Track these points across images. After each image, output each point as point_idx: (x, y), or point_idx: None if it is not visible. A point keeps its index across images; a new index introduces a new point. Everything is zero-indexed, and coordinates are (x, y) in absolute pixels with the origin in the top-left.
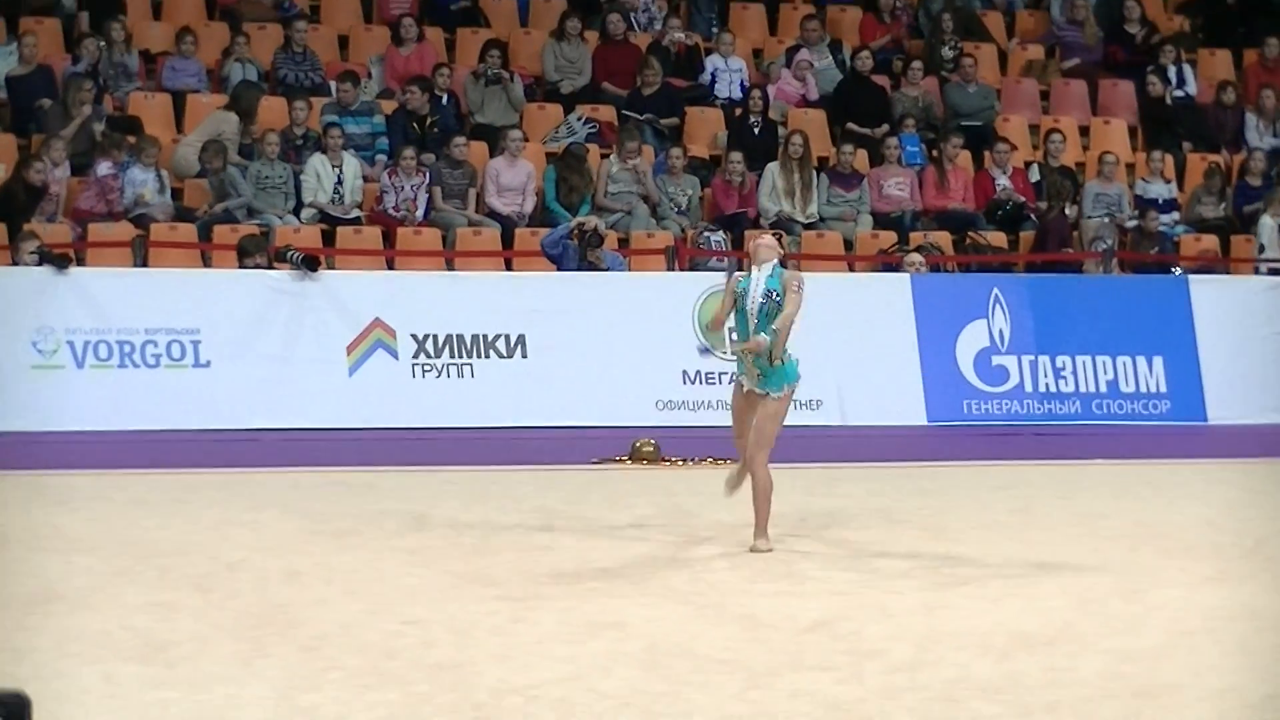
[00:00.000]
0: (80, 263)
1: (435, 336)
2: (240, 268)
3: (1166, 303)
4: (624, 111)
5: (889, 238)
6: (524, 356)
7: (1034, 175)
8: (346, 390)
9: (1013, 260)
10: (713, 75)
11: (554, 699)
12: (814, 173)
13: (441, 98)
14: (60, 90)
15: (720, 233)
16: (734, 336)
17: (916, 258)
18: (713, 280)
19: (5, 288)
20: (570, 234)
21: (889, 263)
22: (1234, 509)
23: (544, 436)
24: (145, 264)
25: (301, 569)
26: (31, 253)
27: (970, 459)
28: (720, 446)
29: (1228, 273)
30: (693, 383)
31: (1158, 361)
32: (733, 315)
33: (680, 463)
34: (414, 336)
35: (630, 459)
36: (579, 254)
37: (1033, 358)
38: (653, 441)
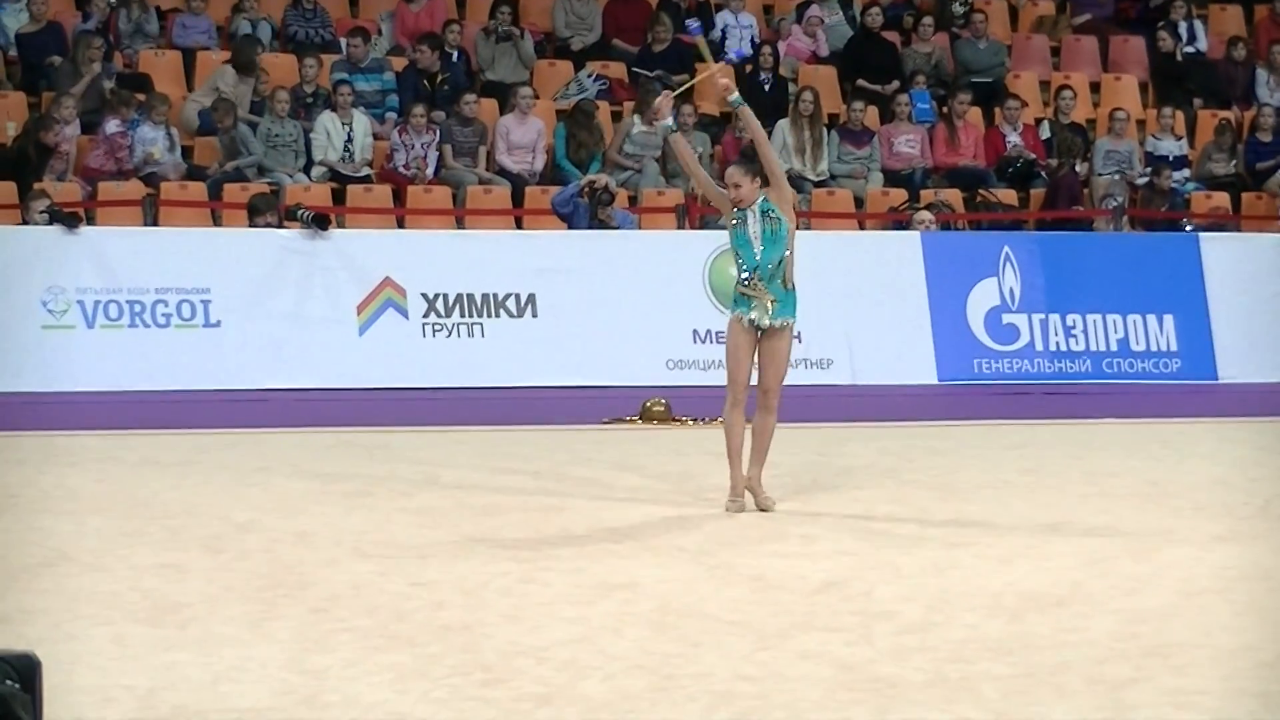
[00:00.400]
0: (90, 222)
1: (445, 295)
2: (250, 226)
3: (1177, 260)
4: (634, 68)
5: (899, 195)
6: (534, 315)
7: (1044, 132)
8: (356, 350)
9: (1023, 218)
10: (723, 31)
11: (564, 660)
12: (824, 130)
13: (452, 55)
14: (70, 48)
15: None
16: (741, 274)
17: (927, 215)
18: (721, 239)
19: (15, 247)
20: (581, 192)
21: (899, 221)
22: (1244, 468)
23: (554, 396)
24: (155, 223)
25: (312, 530)
26: (42, 212)
27: (980, 418)
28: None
29: (1239, 230)
30: (703, 342)
31: (1168, 320)
32: (735, 252)
33: (691, 422)
34: (424, 295)
35: (641, 418)
36: (589, 212)
37: (1043, 316)
38: (663, 401)
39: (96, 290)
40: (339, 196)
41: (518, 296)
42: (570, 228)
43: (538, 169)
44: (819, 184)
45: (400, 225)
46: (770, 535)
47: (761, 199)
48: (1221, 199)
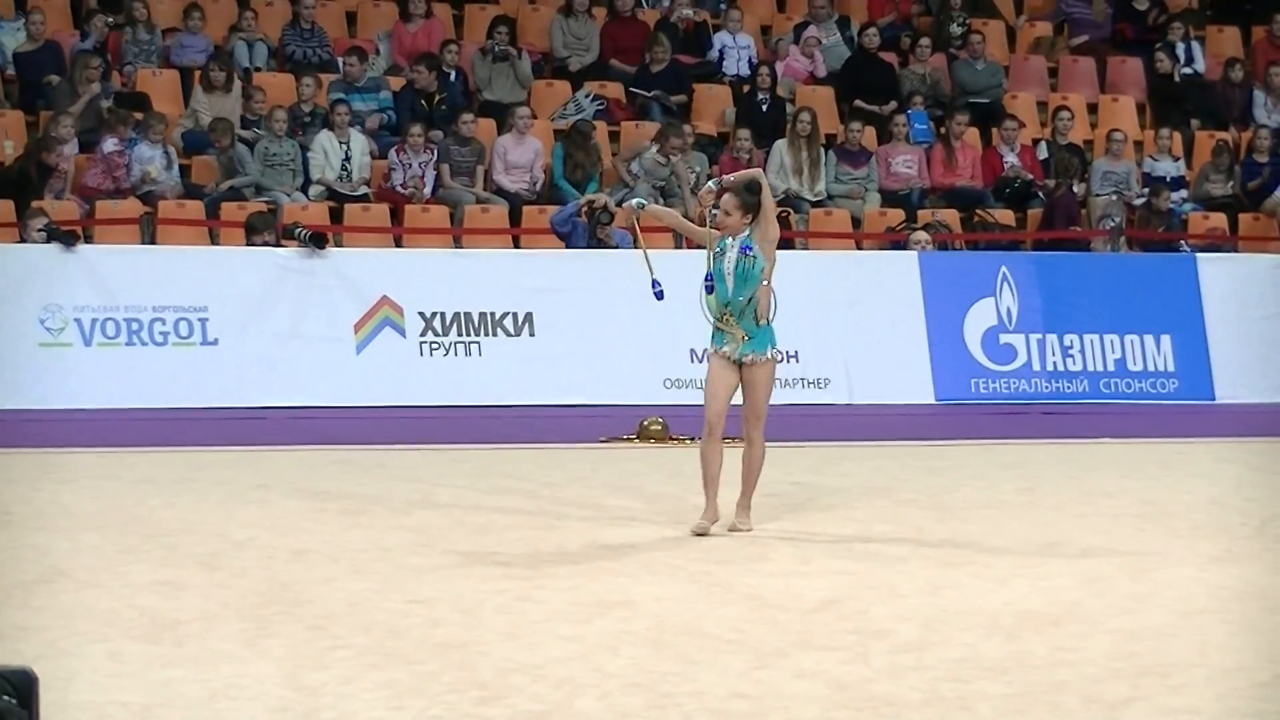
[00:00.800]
0: (88, 240)
1: (443, 314)
2: (248, 245)
3: (1174, 281)
4: (631, 89)
5: (897, 215)
6: (531, 335)
7: (1042, 153)
8: (354, 368)
9: (1020, 238)
10: (721, 52)
11: (560, 678)
12: (822, 150)
13: (449, 74)
14: (68, 67)
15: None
16: (711, 302)
17: (924, 236)
18: None
19: (13, 265)
20: (579, 212)
21: (897, 241)
22: (1241, 488)
23: (551, 415)
24: (153, 241)
25: (308, 547)
26: (39, 230)
27: (978, 438)
28: (729, 425)
29: (1236, 251)
30: (701, 361)
31: (1165, 340)
32: (709, 280)
33: (688, 441)
34: (421, 314)
35: (638, 437)
36: (588, 231)
37: (1040, 336)
38: (660, 420)
39: (94, 308)
40: (336, 215)
41: (515, 315)
42: (568, 247)
43: (535, 189)
44: (816, 204)
45: (398, 244)
46: (767, 554)
47: (745, 234)
48: (1219, 220)
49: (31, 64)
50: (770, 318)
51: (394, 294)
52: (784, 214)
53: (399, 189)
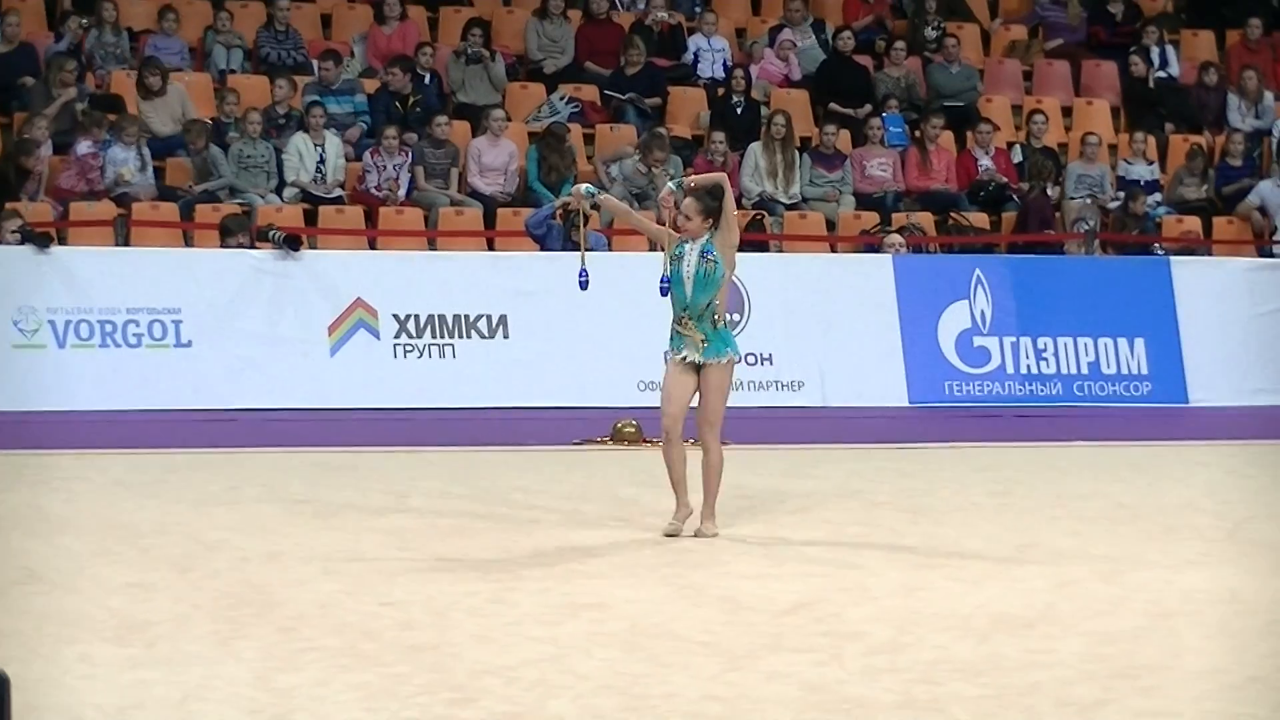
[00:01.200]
0: (62, 242)
1: (417, 316)
2: (222, 247)
3: (1148, 284)
4: (606, 91)
5: (871, 218)
6: (506, 337)
7: (1016, 156)
8: (328, 370)
9: (995, 241)
10: (695, 55)
11: (532, 680)
12: (796, 153)
13: (424, 77)
14: (42, 69)
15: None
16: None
17: (898, 238)
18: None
19: None
20: (554, 214)
21: (871, 244)
22: (1215, 491)
23: (525, 417)
24: (127, 243)
25: (281, 549)
26: (13, 231)
27: (951, 440)
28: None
29: (1210, 254)
30: None
31: (1139, 343)
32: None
33: (660, 444)
34: (395, 316)
35: (612, 440)
36: (563, 234)
37: (1014, 339)
38: (634, 422)
39: (68, 310)
40: (311, 217)
41: (489, 318)
42: (543, 249)
43: (510, 191)
44: (791, 207)
45: (372, 246)
46: (740, 556)
47: (705, 239)
48: (1193, 223)
49: (6, 66)
50: (725, 321)
51: (368, 296)
52: (758, 216)
53: (373, 191)
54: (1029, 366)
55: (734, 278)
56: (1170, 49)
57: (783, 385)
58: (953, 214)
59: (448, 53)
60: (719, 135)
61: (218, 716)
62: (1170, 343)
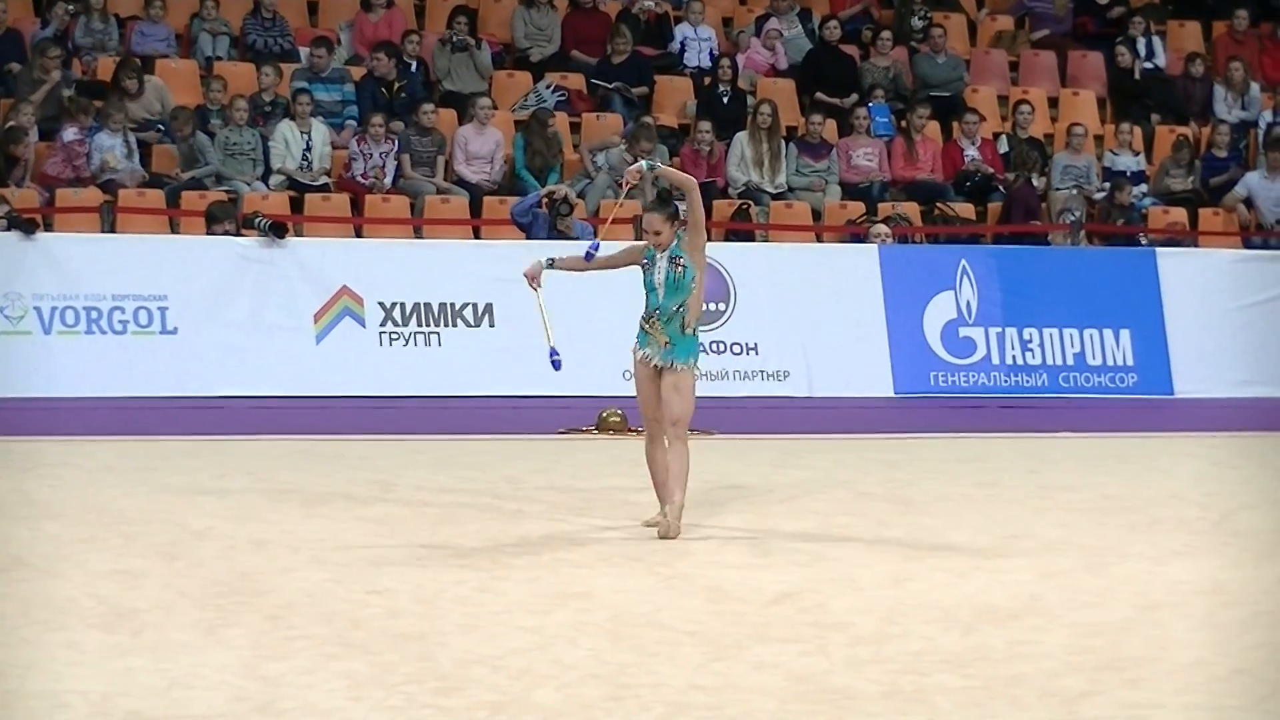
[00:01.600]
0: (48, 228)
1: (403, 304)
2: (208, 234)
3: (1134, 275)
4: (593, 80)
5: (857, 208)
6: (491, 325)
7: (1002, 146)
8: (313, 358)
9: (980, 231)
10: (682, 44)
11: (519, 669)
12: (782, 142)
13: (410, 64)
14: (29, 55)
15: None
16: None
17: (884, 229)
18: None
19: None
20: (540, 202)
21: (857, 234)
22: (1200, 482)
23: (511, 406)
24: (113, 230)
25: (268, 537)
26: (0, 218)
27: (937, 431)
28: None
29: (1196, 245)
30: None
31: (1125, 334)
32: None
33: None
34: (381, 304)
35: (597, 429)
36: (549, 223)
37: (1000, 330)
38: (619, 411)
39: (53, 296)
40: (297, 205)
41: (475, 306)
42: (529, 238)
43: (496, 179)
44: (777, 196)
45: (358, 234)
46: (726, 546)
47: (674, 244)
48: (1179, 214)
49: None
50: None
51: (354, 284)
52: (744, 205)
53: (359, 179)
54: (1014, 357)
55: (719, 267)
56: (1156, 40)
57: (768, 375)
58: (938, 204)
59: (434, 40)
60: (705, 124)
61: (204, 704)
62: (1156, 334)
